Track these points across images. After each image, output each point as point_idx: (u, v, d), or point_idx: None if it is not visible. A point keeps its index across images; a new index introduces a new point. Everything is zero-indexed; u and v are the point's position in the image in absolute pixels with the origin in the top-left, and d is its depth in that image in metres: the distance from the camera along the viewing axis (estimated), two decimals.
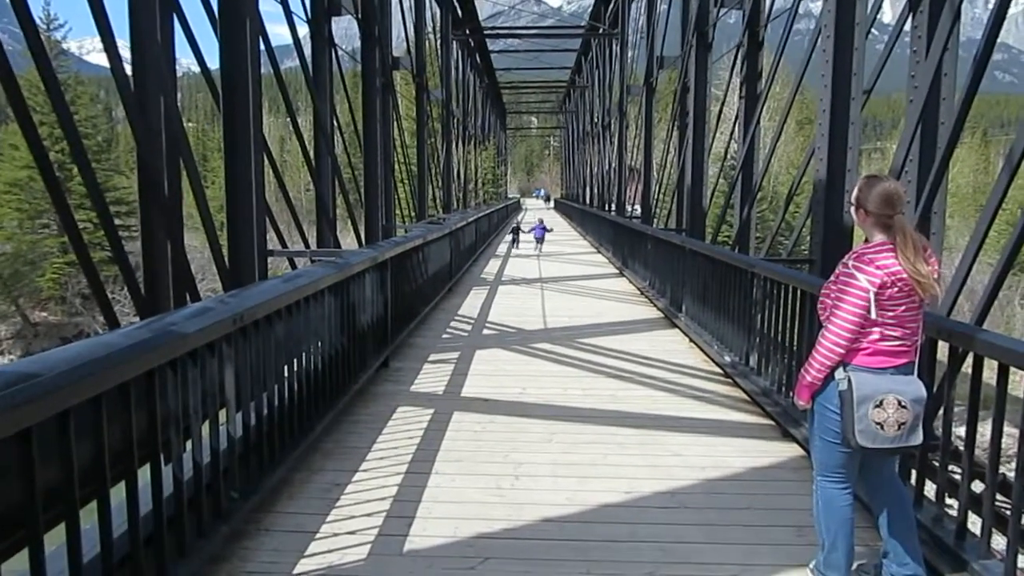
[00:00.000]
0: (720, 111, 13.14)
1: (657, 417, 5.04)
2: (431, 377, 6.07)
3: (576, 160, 46.73)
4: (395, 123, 13.75)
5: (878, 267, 2.65)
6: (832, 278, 2.78)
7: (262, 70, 6.31)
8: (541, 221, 20.11)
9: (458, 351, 7.03)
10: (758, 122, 10.51)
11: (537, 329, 8.28)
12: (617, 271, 14.20)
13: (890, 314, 2.68)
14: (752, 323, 5.57)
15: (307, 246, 8.67)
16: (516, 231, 21.24)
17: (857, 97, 6.70)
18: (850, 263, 2.69)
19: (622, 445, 4.49)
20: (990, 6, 5.41)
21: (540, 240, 19.14)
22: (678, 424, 4.89)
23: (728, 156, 13.51)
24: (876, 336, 2.70)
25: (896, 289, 2.66)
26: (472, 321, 8.80)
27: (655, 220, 16.78)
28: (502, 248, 20.95)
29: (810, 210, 7.39)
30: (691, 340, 7.42)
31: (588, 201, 35.08)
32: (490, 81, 42.27)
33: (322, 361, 4.49)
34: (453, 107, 23.57)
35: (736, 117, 11.62)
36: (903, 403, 2.66)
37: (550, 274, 13.98)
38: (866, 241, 2.81)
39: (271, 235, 7.11)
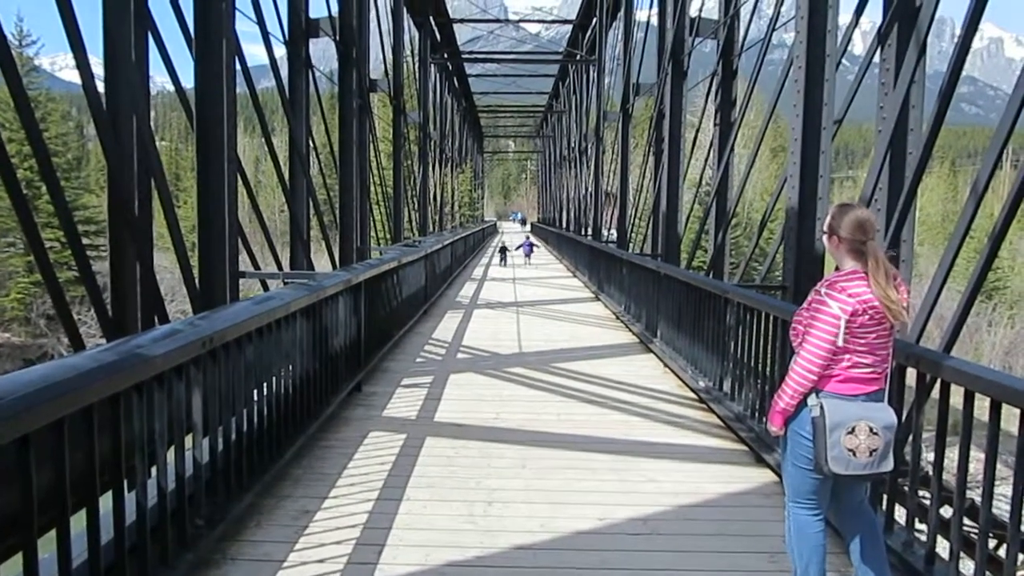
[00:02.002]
0: (695, 138, 13.35)
1: (631, 442, 5.04)
2: (404, 402, 6.03)
3: (553, 184, 47.04)
4: (371, 145, 13.77)
5: (850, 295, 2.69)
6: (804, 305, 2.82)
7: (237, 90, 6.30)
8: (528, 237, 24.00)
9: (432, 375, 7.00)
10: (732, 149, 10.69)
11: (512, 353, 8.27)
12: (593, 295, 14.26)
13: (861, 341, 2.72)
14: (726, 349, 5.61)
15: (280, 268, 8.61)
16: (504, 251, 23.74)
17: (828, 127, 6.85)
18: (822, 290, 2.73)
19: (596, 471, 4.48)
20: (955, 41, 5.58)
21: (528, 255, 23.17)
22: (652, 450, 4.89)
23: (703, 182, 13.70)
24: (847, 363, 2.74)
25: (867, 316, 2.70)
26: (446, 345, 8.78)
27: (631, 245, 16.91)
28: (478, 271, 20.98)
29: (783, 237, 7.51)
30: (666, 365, 7.45)
31: (564, 225, 35.27)
32: (468, 104, 42.53)
33: (293, 385, 4.45)
34: (430, 129, 23.67)
35: (711, 144, 11.80)
36: (875, 430, 2.69)
37: (526, 298, 14.01)
38: (837, 268, 2.86)
39: (243, 256, 7.05)
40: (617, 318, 10.98)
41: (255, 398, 3.84)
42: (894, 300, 2.68)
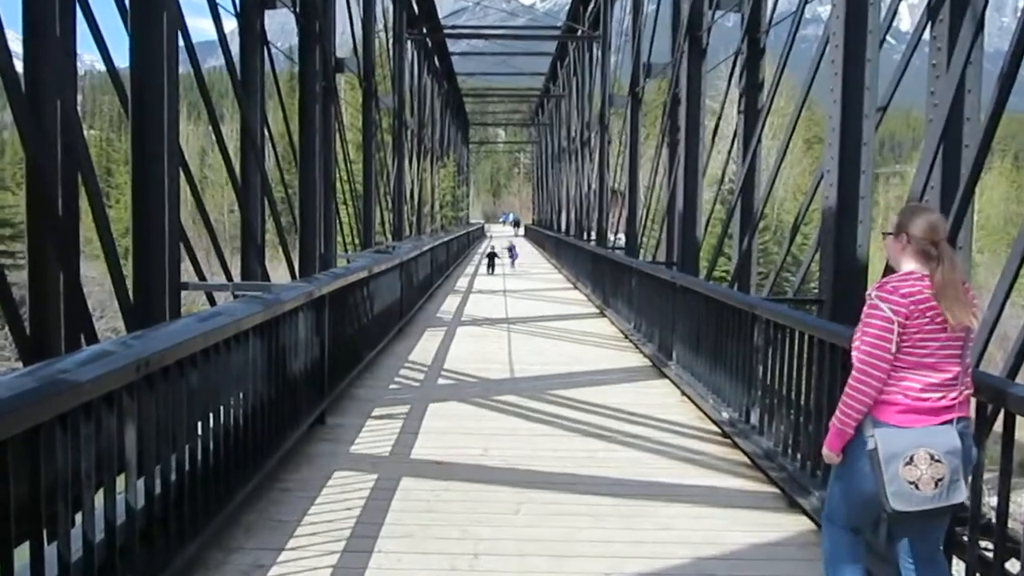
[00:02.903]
0: (716, 127, 13.43)
1: (642, 484, 5.05)
2: (376, 435, 6.03)
3: (550, 180, 47.25)
4: (338, 135, 13.79)
5: (903, 295, 2.79)
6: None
7: (180, 69, 6.31)
8: (511, 241, 25.21)
9: (408, 405, 7.01)
10: (759, 140, 10.76)
11: (502, 379, 8.28)
12: (597, 310, 14.31)
13: (922, 351, 2.79)
14: (753, 373, 5.63)
15: (229, 279, 8.59)
16: (492, 256, 24.50)
17: (871, 114, 6.91)
18: (874, 294, 2.85)
19: (601, 517, 4.49)
20: (1018, 14, 5.62)
21: (512, 254, 24.43)
22: (667, 492, 4.91)
23: (726, 179, 13.79)
24: (911, 384, 2.79)
25: (926, 320, 2.78)
26: (426, 369, 8.79)
27: (641, 252, 16.98)
28: (463, 282, 21.05)
29: (819, 242, 7.55)
30: (683, 393, 7.48)
31: (564, 228, 35.41)
32: (451, 88, 42.75)
33: (245, 416, 4.44)
34: (407, 117, 23.76)
35: (735, 134, 11.88)
36: (936, 456, 2.73)
37: (518, 313, 14.05)
38: (887, 273, 2.98)
39: (186, 265, 7.03)
40: (625, 337, 11.01)
41: (200, 432, 3.83)
42: (964, 306, 2.77)
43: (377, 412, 6.75)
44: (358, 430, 6.17)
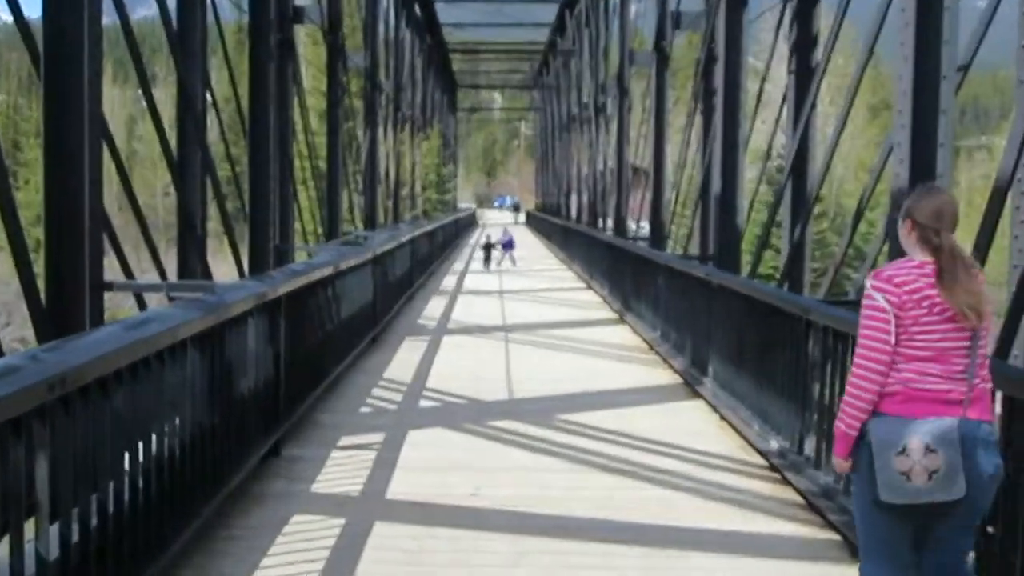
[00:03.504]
0: (761, 90, 13.43)
1: (672, 530, 5.05)
2: (343, 470, 6.03)
3: (557, 156, 47.34)
4: (296, 100, 13.79)
5: (896, 284, 3.13)
6: None
7: (104, 20, 6.30)
8: (506, 230, 24.77)
9: (383, 432, 7.00)
10: (814, 106, 10.76)
11: (499, 400, 8.28)
12: (615, 316, 14.32)
13: (920, 342, 3.11)
14: (808, 393, 5.64)
15: (163, 277, 8.59)
16: (489, 248, 24.70)
17: (949, 75, 6.92)
18: (868, 283, 3.19)
19: (622, 571, 4.48)
20: None
21: (507, 248, 24.36)
22: (702, 540, 4.91)
23: (773, 154, 13.80)
24: (910, 373, 3.11)
25: (924, 311, 3.10)
26: (405, 388, 8.80)
27: (669, 244, 16.99)
28: (450, 281, 21.09)
29: (887, 232, 7.55)
30: (721, 417, 7.49)
31: (574, 215, 35.48)
32: (435, 42, 42.81)
33: (181, 446, 4.43)
34: (381, 78, 23.79)
35: (783, 99, 11.88)
36: (931, 446, 3.00)
37: (519, 319, 14.08)
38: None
39: (110, 260, 7.03)
40: (650, 348, 11.02)
41: (127, 466, 3.82)
42: (970, 294, 3.06)
43: (345, 441, 6.73)
44: (321, 464, 6.16)
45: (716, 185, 12.67)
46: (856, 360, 3.18)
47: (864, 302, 3.19)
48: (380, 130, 23.90)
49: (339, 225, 16.73)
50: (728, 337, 7.68)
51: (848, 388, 3.20)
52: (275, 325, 6.24)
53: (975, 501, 3.06)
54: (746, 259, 13.38)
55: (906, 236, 3.24)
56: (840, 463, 3.25)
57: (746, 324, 7.11)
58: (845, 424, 3.19)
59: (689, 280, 9.38)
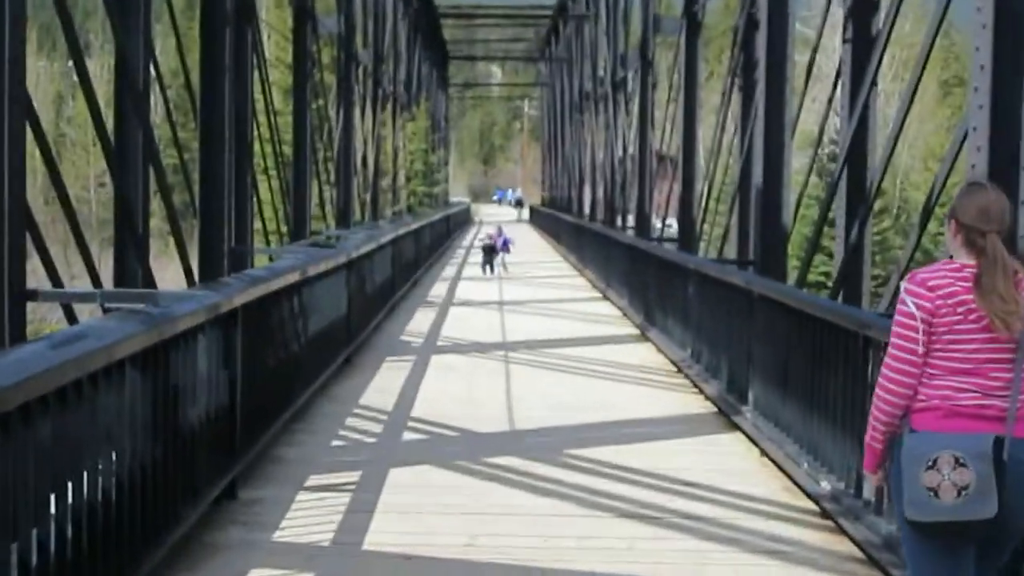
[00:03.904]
0: (811, 64, 13.44)
1: None
2: (312, 516, 6.02)
3: (567, 142, 47.37)
4: (257, 73, 13.79)
5: (930, 288, 3.36)
6: None
7: None
8: (501, 230, 24.86)
9: (359, 470, 7.00)
10: (874, 83, 10.76)
11: (498, 432, 8.28)
12: (636, 331, 14.33)
13: (955, 352, 3.34)
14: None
15: (97, 284, 8.57)
16: (490, 251, 24.76)
17: None
18: (902, 285, 3.44)
19: None
20: None
21: (495, 251, 24.40)
22: None
23: (825, 139, 13.80)
24: (947, 388, 3.35)
25: (959, 318, 3.32)
26: (385, 417, 8.80)
27: (702, 245, 16.98)
28: (440, 289, 21.12)
29: None
30: (762, 452, 7.49)
31: (587, 211, 35.48)
32: (422, 5, 42.85)
33: (119, 486, 4.42)
34: (357, 48, 23.81)
35: (837, 74, 11.89)
36: (962, 460, 3.20)
37: (522, 335, 14.09)
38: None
39: (33, 264, 7.02)
40: (678, 370, 11.03)
41: (53, 509, 3.81)
42: (1005, 302, 3.25)
43: (314, 481, 6.73)
44: (285, 508, 6.15)
45: (757, 176, 12.65)
46: (882, 369, 3.46)
47: (897, 306, 3.44)
48: (356, 110, 23.90)
49: (307, 223, 16.70)
50: (772, 357, 7.67)
51: (874, 398, 3.49)
52: (230, 342, 6.23)
53: (1017, 521, 3.25)
54: (793, 264, 13.39)
55: (951, 238, 3.45)
56: (869, 477, 3.64)
57: (793, 342, 7.10)
58: (869, 436, 3.53)
59: (725, 289, 9.38)
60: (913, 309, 3.37)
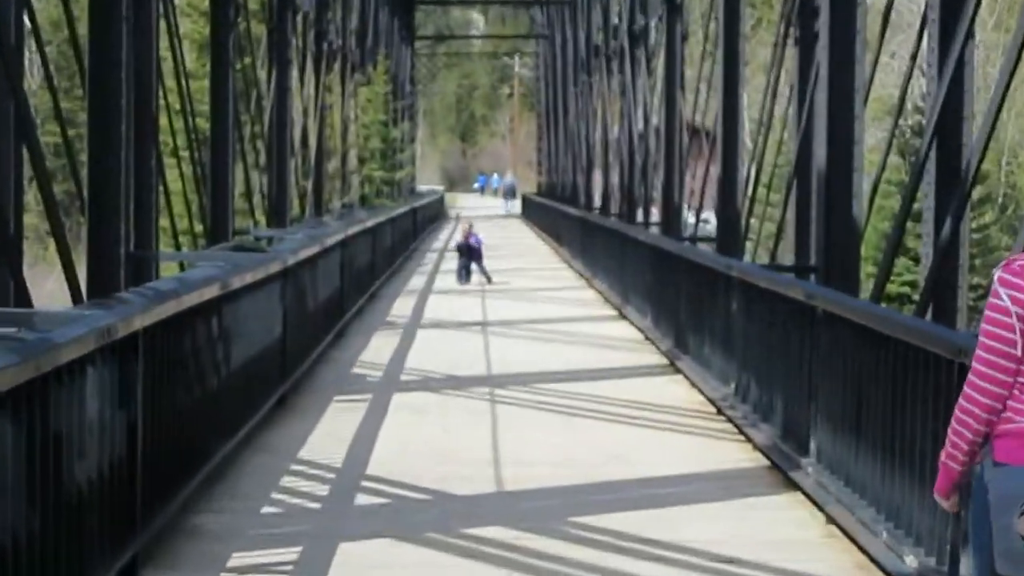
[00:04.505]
0: (888, 9, 13.47)
1: None
2: None
3: (571, 111, 47.37)
4: (164, 23, 13.76)
5: None
6: None
7: None
8: (471, 227, 25.37)
9: (298, 545, 6.99)
10: (971, 36, 10.78)
11: (481, 495, 8.28)
12: (663, 360, 14.34)
13: None
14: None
15: None
16: (468, 253, 25.12)
17: None
18: (995, 275, 3.55)
19: None
20: None
21: (468, 259, 24.81)
22: None
23: (908, 107, 13.83)
24: None
25: None
26: (332, 475, 8.81)
27: (749, 247, 16.98)
28: (402, 306, 21.10)
29: None
30: (829, 518, 7.48)
31: (597, 202, 35.48)
32: None
33: None
34: None
35: (923, 23, 11.91)
36: None
37: (513, 365, 14.10)
38: None
39: None
40: (718, 411, 11.02)
41: None
42: None
43: (238, 560, 6.71)
44: None
45: (820, 156, 12.67)
46: (969, 375, 3.58)
47: (988, 300, 3.55)
48: (293, 70, 23.88)
49: (230, 221, 16.69)
50: (841, 394, 7.65)
51: (956, 410, 3.62)
52: (129, 377, 6.20)
53: None
54: (868, 271, 13.41)
55: None
56: (941, 502, 3.76)
57: (869, 373, 7.08)
58: (946, 454, 3.67)
59: (779, 305, 9.36)
60: (1008, 303, 3.47)
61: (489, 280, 24.82)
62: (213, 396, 8.44)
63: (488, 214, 60.80)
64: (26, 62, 10.40)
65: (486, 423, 10.76)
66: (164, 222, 15.15)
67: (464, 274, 24.67)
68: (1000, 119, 10.93)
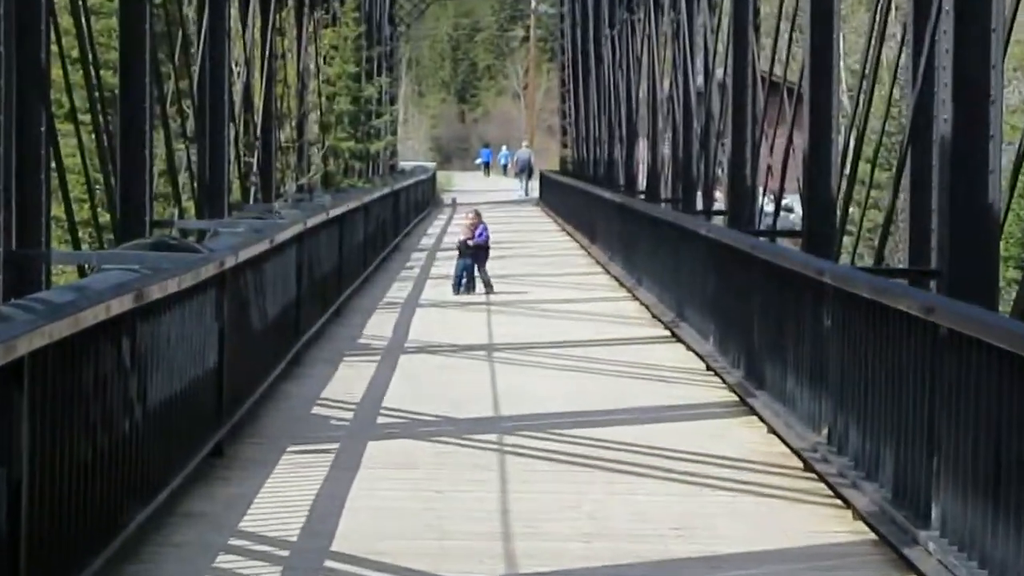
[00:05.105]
0: None
1: None
2: None
3: (604, 63, 47.39)
4: None
5: None
6: None
7: None
8: (477, 216, 25.56)
9: None
10: None
11: None
12: (732, 395, 14.35)
13: None
14: None
15: None
16: (470, 252, 25.15)
17: None
18: None
19: None
20: None
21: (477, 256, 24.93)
22: None
23: None
24: None
25: None
26: (285, 554, 8.81)
27: (847, 243, 16.92)
28: (381, 325, 21.11)
29: None
30: None
31: (643, 184, 35.48)
32: None
33: None
34: None
35: None
36: None
37: (530, 404, 14.14)
38: None
39: None
40: (806, 466, 11.01)
41: None
42: None
43: None
44: None
45: (943, 122, 12.65)
46: None
47: None
48: (233, 6, 23.92)
49: (148, 210, 16.69)
50: (974, 443, 7.60)
51: None
52: (9, 421, 6.20)
53: None
54: (1009, 275, 13.40)
55: None
56: None
57: (1012, 415, 7.01)
58: None
59: (889, 322, 9.29)
60: None
61: (489, 289, 24.92)
62: (125, 444, 8.41)
63: (495, 199, 60.98)
64: None
65: (494, 482, 10.75)
66: (58, 210, 15.13)
67: (464, 281, 24.63)
68: None
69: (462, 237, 24.95)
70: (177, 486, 9.63)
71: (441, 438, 12.44)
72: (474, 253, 24.69)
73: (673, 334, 19.29)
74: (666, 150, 32.10)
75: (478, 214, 25.58)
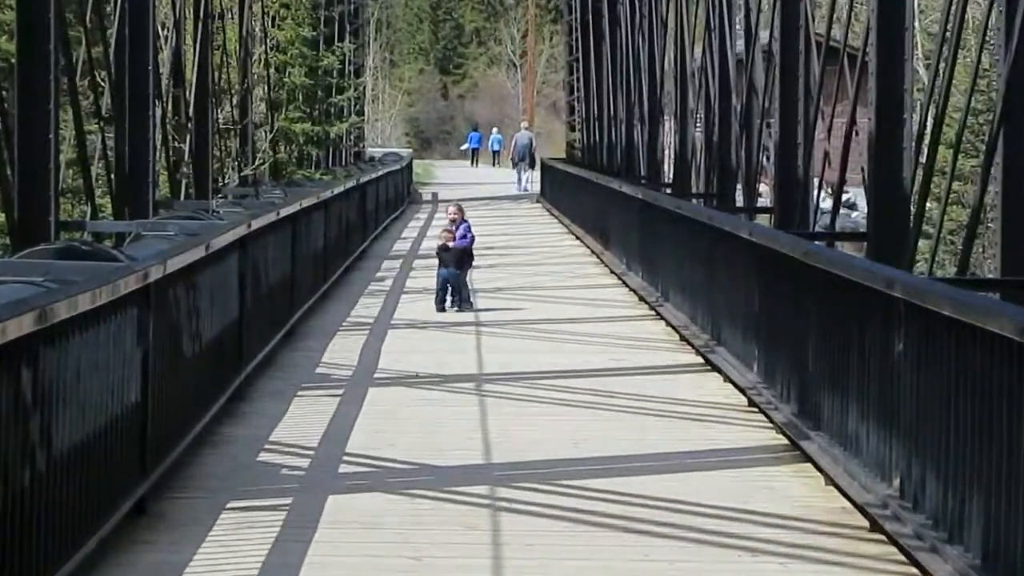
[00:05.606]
0: None
1: None
2: None
3: (621, 26, 47.55)
4: None
5: None
6: None
7: None
8: (458, 210, 26.10)
9: None
10: None
11: None
12: (780, 437, 14.39)
13: None
14: None
15: None
16: (451, 258, 25.30)
17: None
18: None
19: None
20: None
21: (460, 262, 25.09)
22: None
23: None
24: None
25: None
26: None
27: (923, 247, 16.93)
28: (345, 346, 21.18)
29: None
30: None
31: (669, 175, 35.58)
32: None
33: None
34: None
35: None
36: None
37: (529, 450, 14.19)
38: None
39: None
40: (872, 525, 11.00)
41: None
42: None
43: None
44: None
45: None
46: None
47: None
48: None
49: (52, 209, 16.72)
50: None
51: None
52: None
53: None
54: None
55: None
56: None
57: None
58: None
59: (977, 345, 9.27)
60: None
61: (464, 304, 25.15)
62: (28, 498, 8.39)
63: (485, 194, 61.07)
64: None
65: (484, 545, 10.77)
66: None
67: (448, 294, 24.64)
68: None
69: (441, 240, 24.97)
70: (90, 552, 9.61)
71: (418, 491, 12.42)
72: (459, 259, 24.61)
73: (707, 361, 19.31)
74: (698, 133, 32.19)
75: (460, 208, 25.55)
